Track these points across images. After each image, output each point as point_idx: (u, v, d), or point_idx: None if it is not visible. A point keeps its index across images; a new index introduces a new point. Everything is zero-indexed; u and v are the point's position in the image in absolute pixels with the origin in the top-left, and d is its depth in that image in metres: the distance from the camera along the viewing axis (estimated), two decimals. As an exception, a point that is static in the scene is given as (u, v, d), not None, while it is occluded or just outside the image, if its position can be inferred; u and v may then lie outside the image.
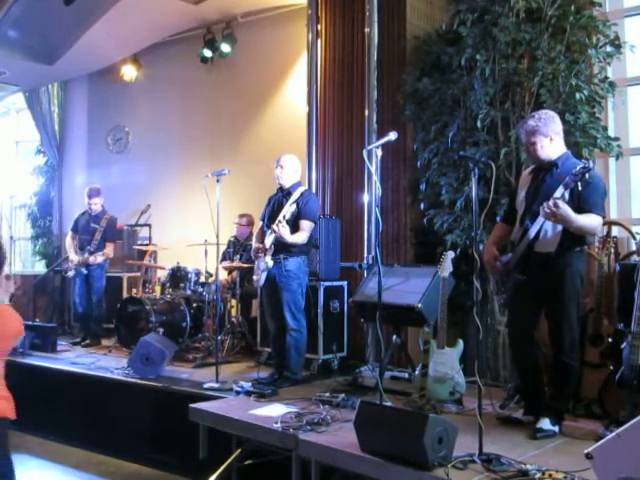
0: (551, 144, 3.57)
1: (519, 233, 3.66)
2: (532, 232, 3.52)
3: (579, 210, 3.38)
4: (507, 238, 3.85)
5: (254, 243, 5.09)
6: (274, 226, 4.72)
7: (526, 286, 3.60)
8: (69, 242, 6.89)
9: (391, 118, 5.64)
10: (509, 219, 3.83)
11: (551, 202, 3.28)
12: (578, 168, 3.32)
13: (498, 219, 3.76)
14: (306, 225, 4.82)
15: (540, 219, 3.46)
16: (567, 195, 3.34)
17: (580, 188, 3.34)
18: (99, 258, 6.59)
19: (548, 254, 3.52)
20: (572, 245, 3.51)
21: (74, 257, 6.69)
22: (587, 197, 3.41)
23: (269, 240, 4.86)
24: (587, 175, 3.29)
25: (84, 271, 6.63)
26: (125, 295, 7.20)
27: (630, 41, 4.77)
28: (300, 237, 4.79)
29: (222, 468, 3.95)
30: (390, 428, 3.10)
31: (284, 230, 4.67)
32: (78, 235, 6.82)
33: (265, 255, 4.83)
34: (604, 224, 4.67)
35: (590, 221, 3.41)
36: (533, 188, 3.65)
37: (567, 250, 3.51)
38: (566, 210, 3.29)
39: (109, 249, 6.68)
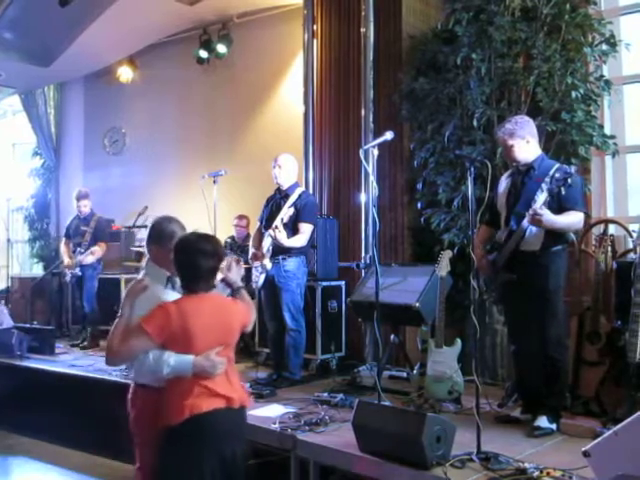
0: (527, 146, 3.71)
1: (504, 234, 3.76)
2: (531, 229, 3.59)
3: (560, 209, 3.54)
4: (490, 239, 3.97)
5: (251, 247, 5.09)
6: (270, 231, 4.71)
7: (514, 284, 3.69)
8: (63, 248, 7.01)
9: (387, 118, 5.64)
10: (490, 221, 3.94)
11: (531, 211, 3.45)
12: (560, 174, 3.46)
13: (480, 222, 3.86)
14: (305, 228, 4.81)
15: (526, 222, 3.56)
16: (548, 198, 3.50)
17: (563, 192, 3.49)
18: (89, 257, 6.67)
19: (533, 252, 3.63)
20: (555, 243, 3.64)
21: (67, 261, 6.79)
22: (567, 196, 3.54)
23: (267, 242, 4.85)
24: (569, 180, 3.43)
25: (78, 273, 6.70)
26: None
27: (625, 39, 4.77)
28: (298, 241, 4.78)
29: (221, 469, 3.94)
30: (388, 427, 3.10)
31: (281, 235, 4.66)
32: (71, 240, 6.91)
33: (262, 259, 4.83)
34: (601, 222, 4.71)
35: (572, 219, 3.58)
36: (514, 190, 3.78)
37: (550, 248, 3.63)
38: (549, 216, 3.47)
39: (97, 248, 6.73)
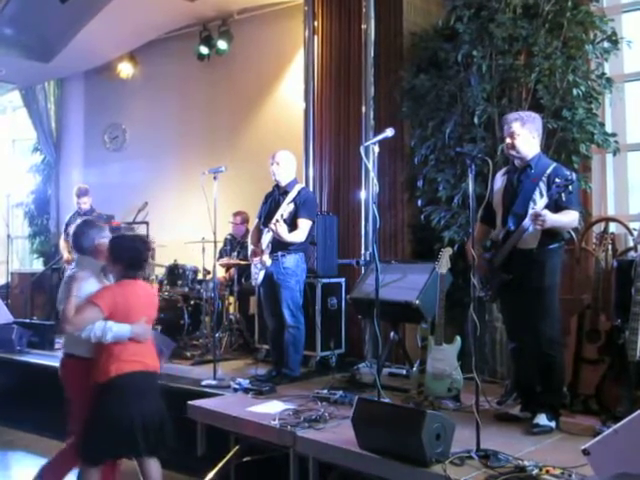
0: (532, 141, 3.72)
1: (501, 233, 3.76)
2: (531, 228, 3.59)
3: (557, 207, 3.56)
4: (487, 238, 3.99)
5: (250, 243, 5.08)
6: (271, 225, 4.70)
7: (511, 283, 3.70)
8: (62, 244, 7.00)
9: (388, 114, 5.63)
10: (485, 219, 3.94)
11: (535, 214, 3.47)
12: (561, 180, 3.47)
13: (477, 220, 3.87)
14: (304, 224, 4.81)
15: (527, 222, 3.56)
16: (547, 198, 3.55)
17: (563, 198, 3.53)
18: None
19: (530, 250, 3.64)
20: (552, 241, 3.66)
21: (66, 256, 6.80)
22: (565, 198, 3.55)
23: (266, 239, 4.85)
24: (570, 187, 3.46)
25: None
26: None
27: (627, 37, 4.77)
28: (298, 236, 4.77)
29: (220, 465, 3.95)
30: (388, 425, 3.10)
31: (282, 229, 4.65)
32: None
33: (262, 255, 4.82)
34: (601, 220, 4.71)
35: (569, 218, 3.61)
36: (510, 189, 3.78)
37: (547, 245, 3.65)
38: (552, 218, 3.49)
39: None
